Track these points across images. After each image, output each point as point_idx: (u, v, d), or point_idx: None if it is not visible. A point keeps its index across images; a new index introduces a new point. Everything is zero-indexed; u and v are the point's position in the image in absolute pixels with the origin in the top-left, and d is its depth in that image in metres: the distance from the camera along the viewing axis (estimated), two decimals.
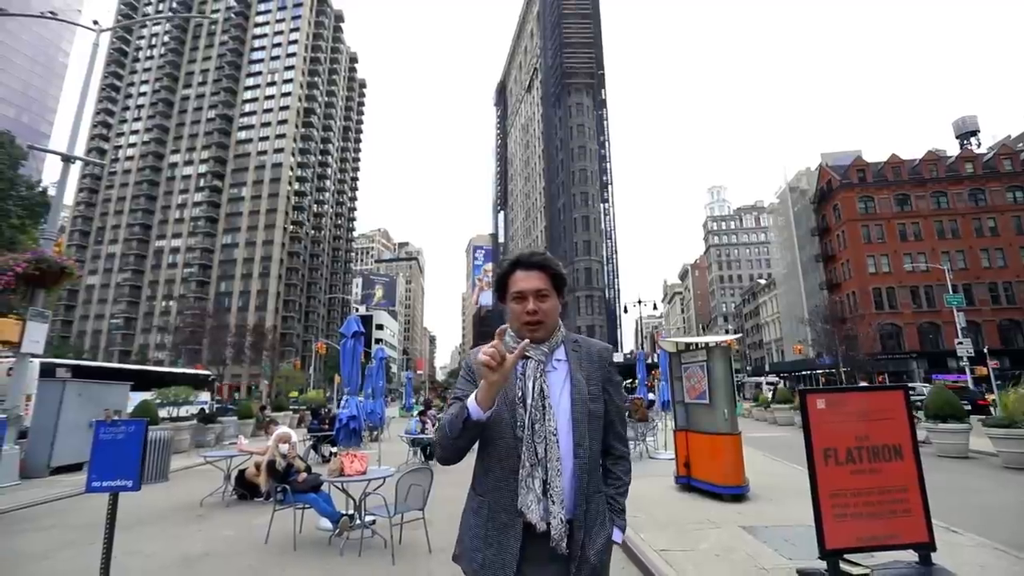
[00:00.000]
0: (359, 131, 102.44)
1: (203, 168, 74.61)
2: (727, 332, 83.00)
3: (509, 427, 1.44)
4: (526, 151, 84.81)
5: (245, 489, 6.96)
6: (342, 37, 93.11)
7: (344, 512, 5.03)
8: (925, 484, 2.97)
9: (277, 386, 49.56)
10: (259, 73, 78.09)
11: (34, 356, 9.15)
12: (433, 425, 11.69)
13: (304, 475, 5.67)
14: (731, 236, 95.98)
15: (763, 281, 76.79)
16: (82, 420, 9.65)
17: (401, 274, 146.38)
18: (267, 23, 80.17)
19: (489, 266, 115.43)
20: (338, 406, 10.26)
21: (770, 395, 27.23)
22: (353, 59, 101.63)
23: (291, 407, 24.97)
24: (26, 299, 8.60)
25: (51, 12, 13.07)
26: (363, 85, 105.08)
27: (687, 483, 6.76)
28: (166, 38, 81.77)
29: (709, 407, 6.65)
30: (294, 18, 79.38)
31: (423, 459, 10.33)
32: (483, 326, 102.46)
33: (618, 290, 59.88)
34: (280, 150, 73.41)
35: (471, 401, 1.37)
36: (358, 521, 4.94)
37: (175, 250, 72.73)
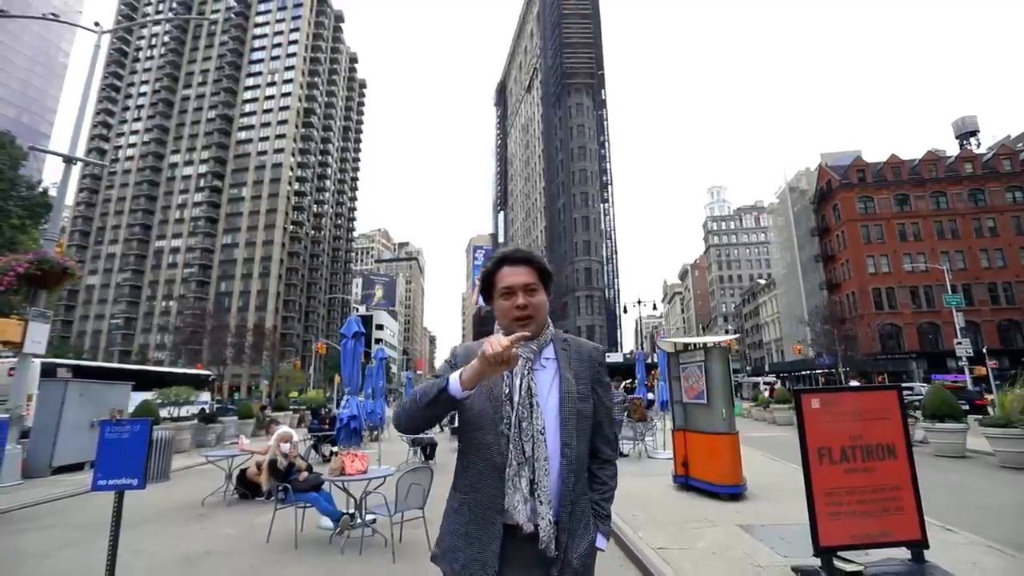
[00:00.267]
0: (359, 131, 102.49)
1: (203, 168, 74.65)
2: (727, 332, 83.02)
3: (492, 423, 1.41)
4: (526, 151, 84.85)
5: (246, 488, 7.00)
6: (342, 37, 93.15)
7: (345, 511, 5.06)
8: (918, 483, 3.02)
9: (277, 386, 49.61)
10: (259, 73, 78.13)
11: (35, 356, 9.19)
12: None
13: (305, 474, 5.71)
14: (731, 236, 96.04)
15: (763, 281, 76.82)
16: (83, 420, 9.69)
17: (401, 274, 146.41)
18: (267, 23, 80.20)
19: None
20: (338, 406, 10.30)
21: (767, 395, 27.28)
22: (353, 59, 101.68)
23: (291, 407, 25.01)
24: (28, 300, 8.63)
25: (53, 14, 13.10)
26: (363, 85, 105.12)
27: (685, 482, 6.79)
28: (166, 38, 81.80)
29: (707, 407, 6.69)
30: (294, 18, 79.41)
31: (423, 459, 10.37)
32: (483, 326, 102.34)
33: (618, 290, 59.95)
34: (280, 150, 73.45)
35: (454, 375, 1.33)
36: (359, 520, 4.98)
37: (175, 250, 72.77)
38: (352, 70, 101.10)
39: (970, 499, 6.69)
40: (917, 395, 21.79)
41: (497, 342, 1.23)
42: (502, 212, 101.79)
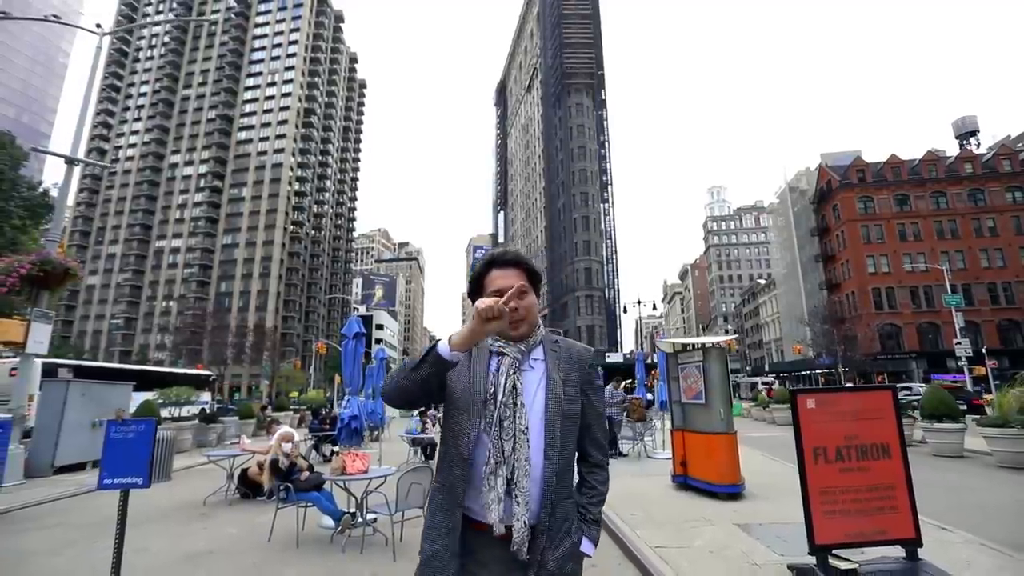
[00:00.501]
0: (359, 131, 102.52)
1: (203, 168, 74.70)
2: (727, 332, 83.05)
3: (466, 415, 1.40)
4: (526, 151, 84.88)
5: (247, 488, 7.03)
6: (342, 37, 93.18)
7: (346, 510, 5.10)
8: (912, 482, 3.06)
9: (277, 386, 49.65)
10: (259, 73, 78.16)
11: (38, 356, 9.23)
12: (434, 425, 11.77)
13: (307, 474, 5.75)
14: (731, 236, 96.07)
15: (763, 281, 76.84)
16: (85, 420, 9.72)
17: (401, 274, 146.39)
18: (267, 23, 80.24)
19: None
20: (339, 406, 10.34)
21: (765, 395, 27.35)
22: (353, 59, 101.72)
23: (291, 407, 25.05)
24: (30, 300, 8.67)
25: (55, 16, 13.14)
26: (363, 85, 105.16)
27: (684, 482, 6.83)
28: (166, 38, 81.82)
29: (705, 407, 6.72)
30: (294, 18, 79.45)
31: (423, 458, 10.42)
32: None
33: (618, 290, 60.00)
34: (280, 150, 73.49)
35: (444, 338, 1.33)
36: (360, 519, 5.02)
37: (175, 250, 72.81)
38: (352, 70, 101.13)
39: (968, 499, 6.72)
40: (915, 395, 21.82)
41: (491, 299, 1.26)
42: (502, 212, 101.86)
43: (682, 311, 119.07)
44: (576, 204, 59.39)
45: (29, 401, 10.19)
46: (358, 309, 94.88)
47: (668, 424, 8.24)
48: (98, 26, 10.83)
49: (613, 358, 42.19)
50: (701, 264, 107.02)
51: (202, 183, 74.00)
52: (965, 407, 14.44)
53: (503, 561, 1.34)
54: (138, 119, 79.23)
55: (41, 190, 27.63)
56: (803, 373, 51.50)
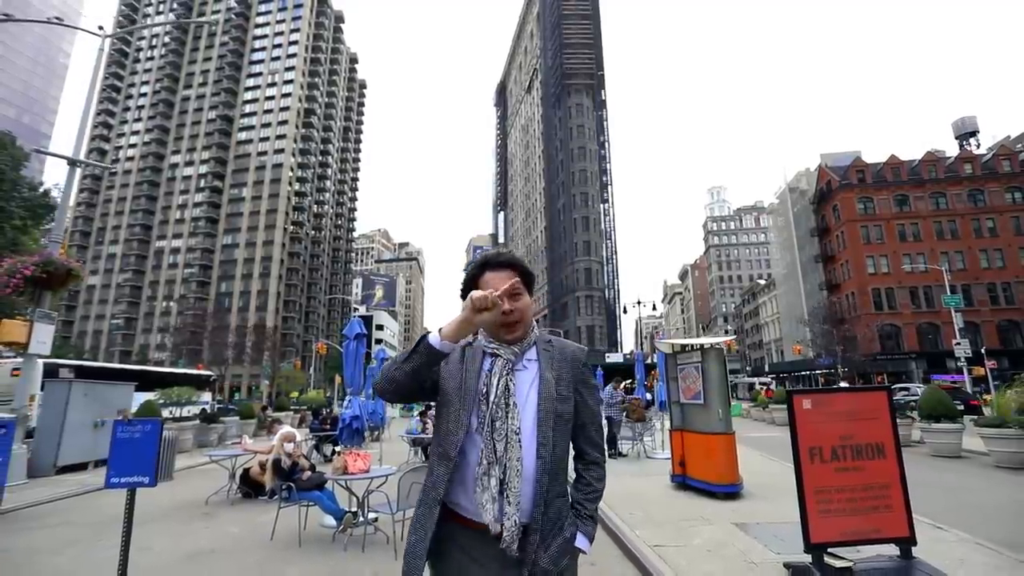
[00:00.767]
0: (359, 132, 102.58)
1: (203, 168, 74.76)
2: (726, 332, 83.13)
3: (455, 416, 1.42)
4: (526, 151, 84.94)
5: (249, 488, 7.07)
6: (342, 38, 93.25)
7: (348, 509, 5.15)
8: (907, 481, 3.11)
9: (277, 386, 49.68)
10: (259, 74, 78.24)
11: (40, 357, 9.28)
12: (433, 425, 11.79)
13: (308, 473, 5.79)
14: (731, 236, 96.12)
15: (763, 281, 76.87)
16: (87, 420, 9.76)
17: (401, 274, 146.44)
18: (267, 24, 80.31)
19: None
20: (339, 406, 10.38)
21: (763, 395, 27.42)
22: (353, 60, 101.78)
23: (291, 407, 25.08)
24: (33, 301, 8.72)
25: (57, 18, 13.19)
26: (363, 86, 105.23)
27: (682, 481, 6.87)
28: (166, 39, 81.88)
29: (704, 407, 6.77)
30: (294, 19, 79.52)
31: (424, 458, 10.46)
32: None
33: (618, 290, 60.09)
34: (280, 150, 73.56)
35: (436, 329, 1.35)
36: (361, 518, 5.07)
37: (175, 250, 72.87)
38: (352, 71, 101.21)
39: (966, 499, 6.76)
40: (913, 395, 21.88)
41: (485, 292, 1.28)
42: (502, 212, 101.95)
43: (682, 311, 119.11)
44: (576, 204, 59.45)
45: (30, 401, 10.25)
46: (358, 309, 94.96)
47: (667, 424, 8.29)
48: (100, 28, 10.88)
49: (613, 358, 42.25)
50: (701, 264, 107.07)
51: (202, 183, 74.05)
52: (962, 407, 14.48)
53: (499, 558, 1.35)
54: (138, 119, 79.30)
55: (42, 191, 27.67)
56: (803, 373, 51.54)
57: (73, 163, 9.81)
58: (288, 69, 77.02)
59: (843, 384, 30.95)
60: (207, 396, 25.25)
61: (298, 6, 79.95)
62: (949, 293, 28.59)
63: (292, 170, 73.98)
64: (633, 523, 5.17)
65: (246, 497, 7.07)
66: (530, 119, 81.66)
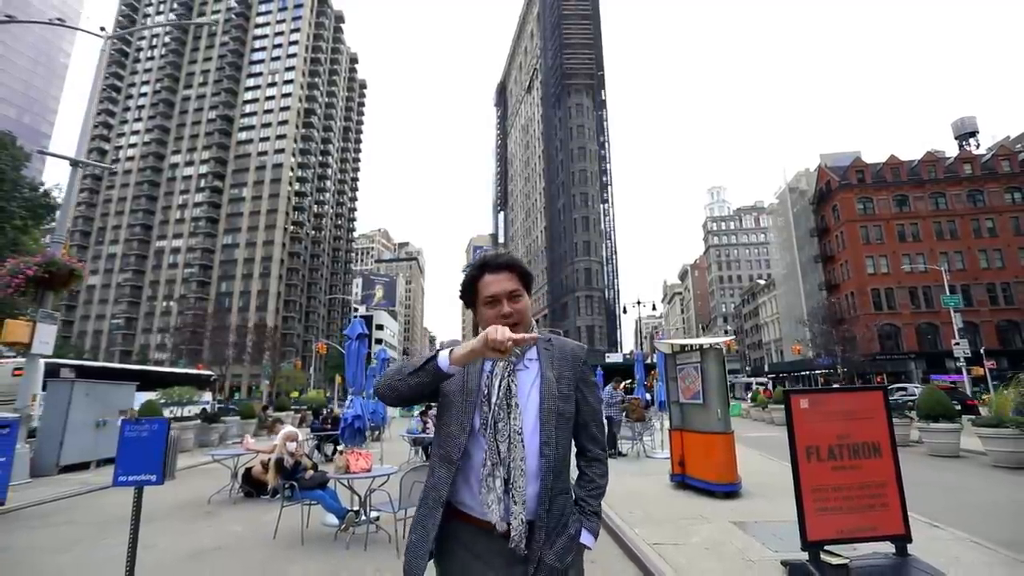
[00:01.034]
0: (359, 132, 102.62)
1: (204, 168, 74.79)
2: (726, 332, 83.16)
3: (457, 419, 1.43)
4: (526, 151, 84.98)
5: (251, 487, 7.12)
6: (342, 38, 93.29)
7: (350, 508, 5.19)
8: (902, 480, 3.15)
9: (278, 386, 49.72)
10: (260, 74, 78.27)
11: (42, 357, 9.32)
12: (434, 425, 11.83)
13: (311, 472, 5.84)
14: (731, 236, 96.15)
15: (762, 282, 76.93)
16: (89, 420, 9.81)
17: (401, 274, 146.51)
18: (267, 24, 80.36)
19: None
20: (339, 406, 10.42)
21: (762, 395, 27.45)
22: (353, 60, 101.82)
23: (292, 407, 25.10)
24: (35, 301, 8.76)
25: (59, 19, 13.23)
26: (363, 86, 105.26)
27: (682, 481, 6.91)
28: (167, 39, 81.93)
29: (703, 407, 6.81)
30: (294, 19, 79.56)
31: (424, 457, 10.49)
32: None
33: (618, 290, 60.13)
34: (280, 150, 73.59)
35: (446, 350, 1.36)
36: (363, 517, 5.11)
37: (176, 250, 72.91)
38: (352, 71, 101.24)
39: (964, 498, 6.81)
40: (911, 395, 21.92)
41: (504, 332, 1.24)
42: (502, 212, 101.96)
43: (682, 311, 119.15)
44: (576, 204, 59.49)
45: (32, 401, 10.28)
46: (358, 309, 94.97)
47: (667, 424, 8.33)
48: (102, 29, 10.91)
49: (613, 358, 42.27)
50: (701, 264, 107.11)
51: (202, 183, 74.09)
52: (960, 407, 14.53)
53: (503, 555, 1.37)
54: (139, 119, 79.32)
55: (42, 191, 27.69)
56: (802, 373, 51.58)
57: (75, 163, 9.86)
58: (288, 69, 77.05)
59: (835, 385, 31.00)
60: (208, 396, 25.29)
61: (298, 6, 79.99)
62: (948, 293, 28.63)
63: (292, 170, 74.01)
64: (633, 522, 5.21)
65: (248, 496, 7.12)
66: (530, 119, 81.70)
